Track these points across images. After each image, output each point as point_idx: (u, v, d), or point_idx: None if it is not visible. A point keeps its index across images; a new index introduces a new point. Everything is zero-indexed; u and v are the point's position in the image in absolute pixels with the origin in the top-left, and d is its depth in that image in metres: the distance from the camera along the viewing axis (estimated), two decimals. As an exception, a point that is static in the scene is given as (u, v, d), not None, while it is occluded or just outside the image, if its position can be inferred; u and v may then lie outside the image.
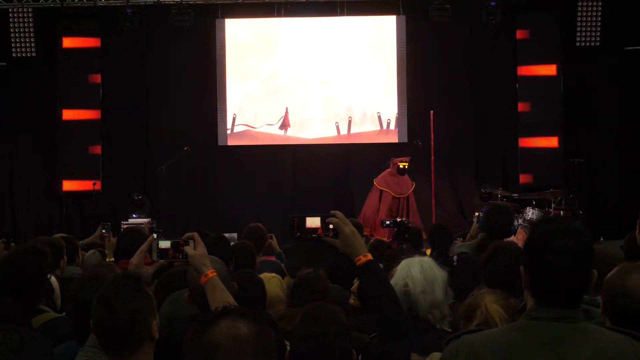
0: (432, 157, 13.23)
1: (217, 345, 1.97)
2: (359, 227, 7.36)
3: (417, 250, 7.53)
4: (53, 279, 5.00)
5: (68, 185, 15.26)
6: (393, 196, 13.48)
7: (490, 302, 3.09)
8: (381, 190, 13.35)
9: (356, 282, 4.98)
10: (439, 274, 3.87)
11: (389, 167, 13.92)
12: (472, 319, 3.08)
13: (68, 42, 15.42)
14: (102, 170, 15.35)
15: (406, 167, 13.25)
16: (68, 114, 15.40)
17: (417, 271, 3.85)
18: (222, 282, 3.72)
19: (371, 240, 8.24)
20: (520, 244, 4.57)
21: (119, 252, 6.19)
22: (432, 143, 13.28)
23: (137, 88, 15.75)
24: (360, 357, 3.37)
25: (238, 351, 1.97)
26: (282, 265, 7.02)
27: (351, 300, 4.95)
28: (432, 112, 13.49)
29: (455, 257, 4.89)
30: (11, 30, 14.92)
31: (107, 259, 6.78)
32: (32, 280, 4.05)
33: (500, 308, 3.06)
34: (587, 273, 2.38)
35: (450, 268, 4.30)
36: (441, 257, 5.46)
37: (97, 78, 15.46)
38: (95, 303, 2.79)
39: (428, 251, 7.60)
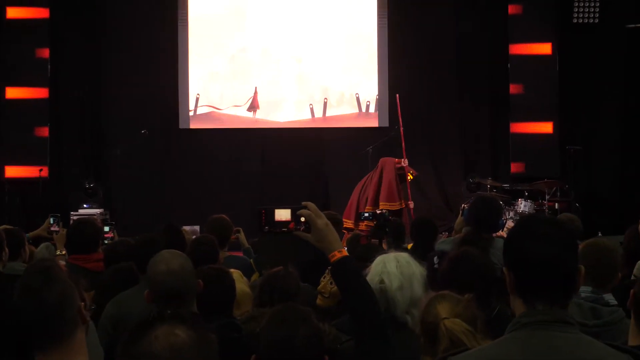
0: (403, 145, 13.17)
1: (153, 355, 1.93)
2: (336, 221, 7.37)
3: (399, 246, 7.54)
4: None
5: (11, 172, 15.11)
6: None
7: (446, 314, 3.07)
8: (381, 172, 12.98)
9: (323, 281, 5.00)
10: (417, 270, 3.89)
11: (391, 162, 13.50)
12: (434, 340, 3.07)
13: (13, 13, 15.25)
14: (49, 155, 15.21)
15: (410, 179, 13.09)
16: (12, 92, 15.24)
17: (393, 266, 3.87)
18: (186, 279, 3.72)
19: (347, 235, 8.26)
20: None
21: (70, 246, 6.19)
22: (401, 130, 13.22)
23: (90, 64, 15.62)
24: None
25: None
26: (251, 261, 7.03)
27: (318, 300, 4.96)
28: (397, 95, 13.50)
29: (435, 259, 4.86)
30: (-51, -2, 14.77)
31: (58, 253, 6.77)
32: None
33: (460, 320, 3.05)
34: (572, 263, 2.43)
35: (430, 270, 4.30)
36: (426, 254, 5.47)
37: (45, 52, 15.30)
38: (18, 295, 2.80)
39: (410, 246, 7.62)
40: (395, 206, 12.32)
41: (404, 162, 12.83)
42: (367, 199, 12.81)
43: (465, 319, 3.06)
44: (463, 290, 3.52)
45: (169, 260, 3.81)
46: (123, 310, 4.48)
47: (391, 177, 12.70)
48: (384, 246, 7.94)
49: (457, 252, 4.35)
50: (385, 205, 12.14)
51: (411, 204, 12.85)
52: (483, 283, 3.90)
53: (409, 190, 13.00)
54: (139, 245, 5.43)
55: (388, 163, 12.85)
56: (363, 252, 5.95)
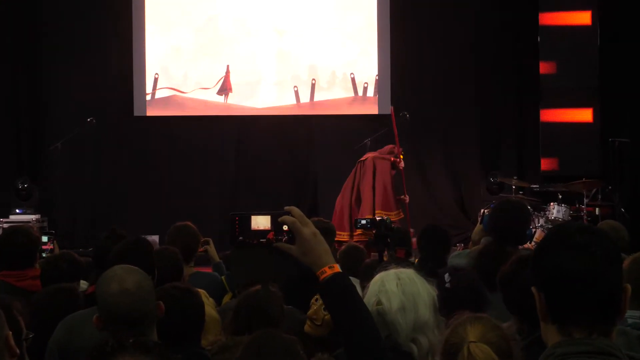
0: (397, 140, 13.15)
1: None
2: (328, 231, 7.37)
3: (405, 260, 7.55)
4: None
5: None
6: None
7: (474, 338, 3.09)
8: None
9: (314, 305, 5.00)
10: (424, 288, 3.89)
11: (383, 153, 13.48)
12: None
13: None
14: (-27, 149, 15.24)
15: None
16: None
17: (393, 285, 3.86)
18: (143, 300, 3.72)
19: (342, 247, 8.26)
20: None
21: None
22: (394, 127, 13.17)
23: (25, 38, 15.59)
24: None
25: None
26: (223, 278, 7.04)
27: (307, 328, 4.97)
28: (392, 108, 13.51)
29: (447, 276, 4.87)
30: None
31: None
32: None
33: (489, 348, 3.07)
34: (616, 281, 2.42)
35: (440, 290, 4.31)
36: (436, 269, 5.47)
37: (-32, 22, 15.33)
38: None
39: (417, 261, 7.64)
40: (392, 216, 12.27)
41: (401, 165, 12.83)
42: (352, 203, 12.79)
43: (497, 349, 3.07)
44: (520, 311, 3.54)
45: (122, 277, 3.80)
46: (74, 335, 4.48)
47: (386, 180, 12.71)
48: (385, 258, 7.95)
49: (517, 257, 4.35)
50: (380, 214, 12.11)
51: (406, 198, 12.86)
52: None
53: (404, 184, 12.98)
54: (98, 257, 5.43)
55: (380, 163, 12.80)
56: (369, 269, 5.94)
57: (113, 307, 3.72)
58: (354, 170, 13.06)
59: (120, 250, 5.13)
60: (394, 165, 12.84)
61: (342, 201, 13.00)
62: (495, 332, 3.17)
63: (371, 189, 12.71)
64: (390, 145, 13.06)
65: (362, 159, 13.07)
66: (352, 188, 12.94)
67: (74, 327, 4.57)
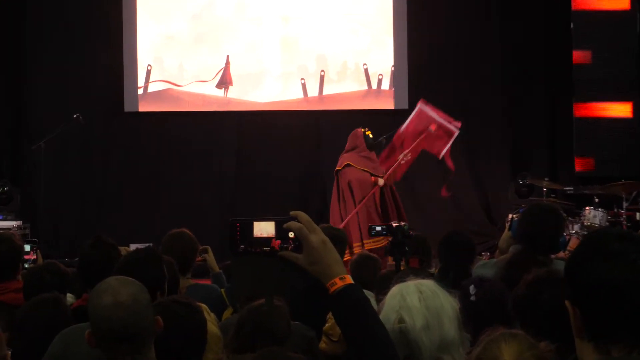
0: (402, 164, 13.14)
1: None
2: (339, 238, 7.38)
3: (423, 270, 7.56)
4: None
5: None
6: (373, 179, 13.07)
7: (509, 357, 3.09)
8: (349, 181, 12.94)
9: (331, 320, 5.01)
10: (447, 302, 3.87)
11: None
12: None
13: None
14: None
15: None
16: None
17: (414, 299, 3.82)
18: (140, 314, 3.73)
19: (353, 257, 8.27)
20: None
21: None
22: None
23: (6, 28, 15.61)
24: None
25: None
26: (222, 291, 7.05)
27: (322, 344, 4.98)
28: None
29: (472, 288, 4.86)
30: None
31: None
32: None
33: None
34: None
35: (464, 303, 4.30)
36: (459, 281, 5.49)
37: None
38: None
39: (437, 271, 7.66)
40: (380, 242, 12.04)
41: (380, 183, 12.76)
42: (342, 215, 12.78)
43: None
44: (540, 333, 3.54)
45: (117, 289, 3.77)
46: (70, 351, 4.50)
47: (369, 206, 12.65)
48: (402, 268, 7.96)
49: (532, 277, 4.34)
50: (369, 243, 12.03)
51: (380, 181, 12.83)
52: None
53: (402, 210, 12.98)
54: (82, 269, 5.45)
55: (358, 184, 12.73)
56: (384, 280, 5.94)
57: (105, 322, 3.71)
58: (335, 182, 12.95)
59: (126, 261, 5.15)
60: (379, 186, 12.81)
61: (332, 220, 12.88)
62: (532, 351, 3.16)
63: (355, 215, 12.63)
64: (355, 131, 12.97)
65: (338, 167, 12.97)
66: (338, 201, 12.84)
67: (71, 342, 4.59)
